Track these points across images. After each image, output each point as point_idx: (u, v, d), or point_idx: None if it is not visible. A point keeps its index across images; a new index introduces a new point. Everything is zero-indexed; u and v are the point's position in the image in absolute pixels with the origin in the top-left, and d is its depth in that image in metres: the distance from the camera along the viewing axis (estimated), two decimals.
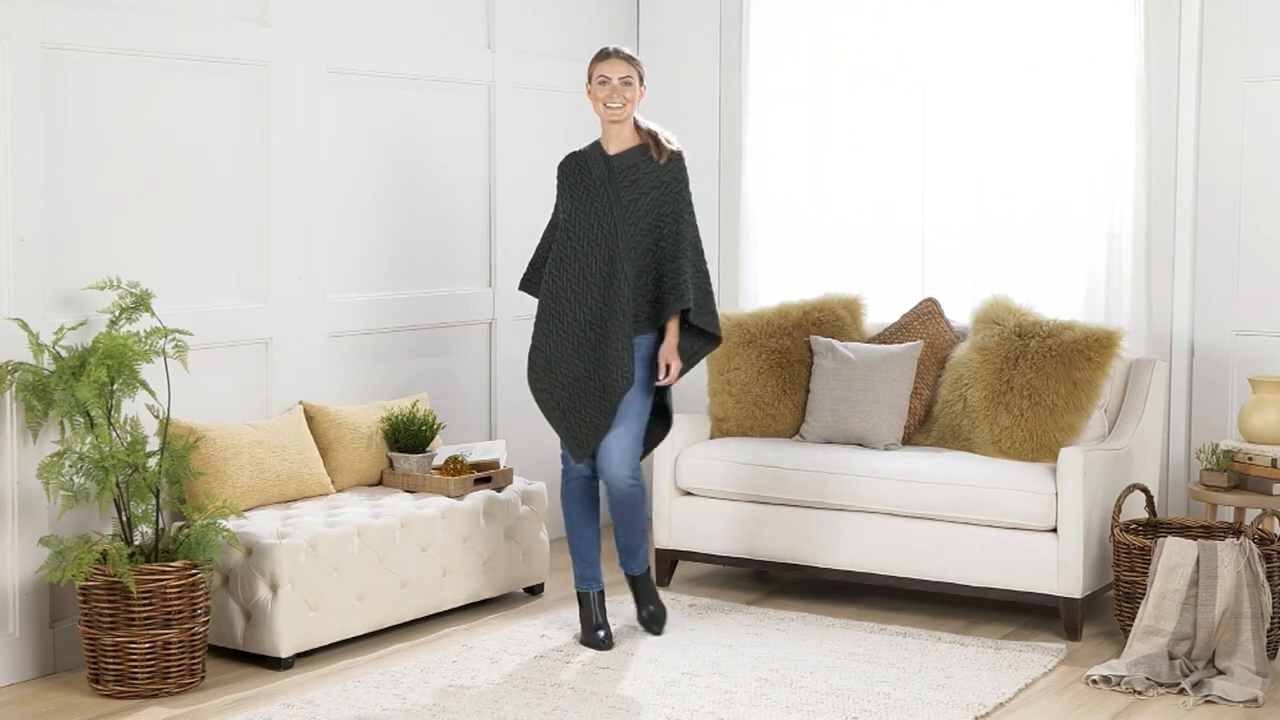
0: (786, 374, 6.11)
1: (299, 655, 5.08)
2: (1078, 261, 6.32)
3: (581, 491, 5.35)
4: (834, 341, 6.09)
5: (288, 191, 5.65)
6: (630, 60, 5.23)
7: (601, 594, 5.35)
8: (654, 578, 5.69)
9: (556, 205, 5.37)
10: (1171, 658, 4.94)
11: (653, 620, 5.38)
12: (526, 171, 6.68)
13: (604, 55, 5.24)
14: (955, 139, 6.51)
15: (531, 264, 5.44)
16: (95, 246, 5.08)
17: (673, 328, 5.26)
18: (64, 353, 4.84)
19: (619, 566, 5.45)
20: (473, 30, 6.46)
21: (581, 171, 5.28)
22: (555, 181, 5.41)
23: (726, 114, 7.07)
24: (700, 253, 5.31)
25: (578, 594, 5.36)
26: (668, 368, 5.25)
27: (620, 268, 5.15)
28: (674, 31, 7.12)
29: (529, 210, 6.68)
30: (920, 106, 6.59)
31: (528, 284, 5.45)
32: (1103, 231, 6.25)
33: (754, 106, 6.92)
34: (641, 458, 5.32)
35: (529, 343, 5.35)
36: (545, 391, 5.23)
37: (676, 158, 5.28)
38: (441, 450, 5.82)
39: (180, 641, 4.76)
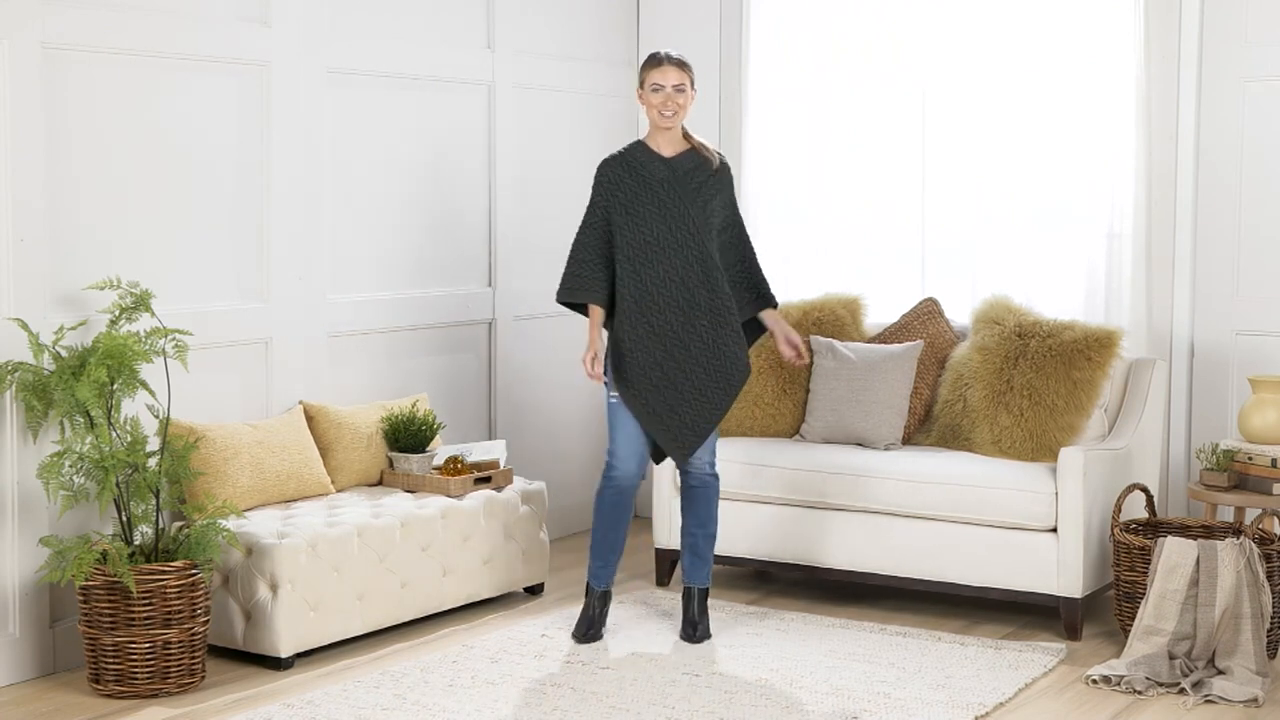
0: (786, 374, 6.11)
1: (299, 655, 5.08)
2: (1078, 261, 6.32)
3: (622, 496, 5.29)
4: (834, 341, 6.09)
5: (288, 191, 5.65)
6: (682, 66, 5.24)
7: (607, 594, 5.35)
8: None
9: (595, 209, 5.23)
10: (1171, 657, 4.94)
11: (698, 641, 5.31)
12: (526, 171, 6.68)
13: (657, 62, 5.24)
14: (955, 139, 6.51)
15: (572, 271, 5.24)
16: (95, 246, 5.08)
17: (775, 316, 5.42)
18: (64, 353, 4.83)
19: (684, 577, 5.41)
20: (473, 30, 6.46)
21: (637, 174, 5.23)
22: (593, 184, 5.25)
23: (726, 114, 7.06)
24: None
25: (588, 587, 5.34)
26: (799, 349, 5.42)
27: (714, 264, 5.21)
28: (674, 31, 7.12)
29: (529, 210, 6.68)
30: (920, 106, 6.59)
31: (573, 290, 5.23)
32: (1103, 231, 6.25)
33: (754, 106, 6.92)
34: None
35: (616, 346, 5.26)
36: (639, 396, 5.17)
37: (725, 163, 5.35)
38: (441, 450, 5.82)
39: (180, 641, 4.75)
